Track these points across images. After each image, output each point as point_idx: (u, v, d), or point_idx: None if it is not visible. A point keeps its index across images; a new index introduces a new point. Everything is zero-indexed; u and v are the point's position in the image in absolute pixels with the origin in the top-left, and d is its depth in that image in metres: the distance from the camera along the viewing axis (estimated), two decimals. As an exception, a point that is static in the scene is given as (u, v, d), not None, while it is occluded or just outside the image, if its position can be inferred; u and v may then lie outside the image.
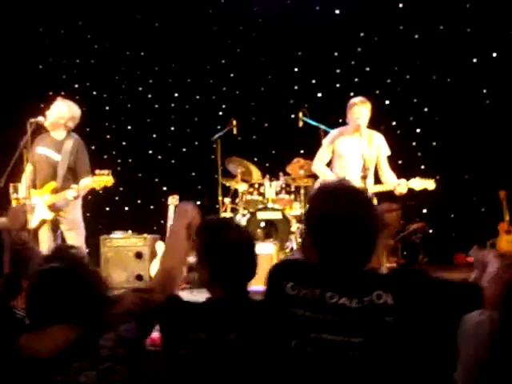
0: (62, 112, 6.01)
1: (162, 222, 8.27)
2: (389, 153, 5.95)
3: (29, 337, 2.16)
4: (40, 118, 5.82)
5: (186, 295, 5.71)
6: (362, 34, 9.51)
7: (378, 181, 5.94)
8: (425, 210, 9.25)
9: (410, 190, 5.78)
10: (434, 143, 9.46)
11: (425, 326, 2.05)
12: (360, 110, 5.74)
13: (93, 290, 2.21)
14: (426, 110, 9.44)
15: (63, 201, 5.88)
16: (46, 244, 5.81)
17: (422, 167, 9.36)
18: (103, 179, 5.79)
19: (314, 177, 7.00)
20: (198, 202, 9.59)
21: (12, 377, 2.09)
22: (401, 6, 9.35)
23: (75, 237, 5.91)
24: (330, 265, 2.08)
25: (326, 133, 6.90)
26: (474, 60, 9.24)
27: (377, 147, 5.87)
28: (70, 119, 6.05)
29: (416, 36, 9.33)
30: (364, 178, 5.51)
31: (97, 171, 5.83)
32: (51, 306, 2.14)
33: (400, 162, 8.35)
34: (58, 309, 2.14)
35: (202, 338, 2.32)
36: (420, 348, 2.09)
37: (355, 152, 5.71)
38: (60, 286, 2.16)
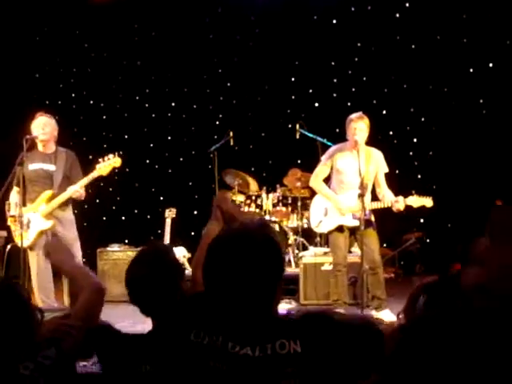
0: (54, 125, 6.00)
1: (159, 232, 8.25)
2: (387, 170, 5.92)
3: None
4: (35, 135, 5.79)
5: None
6: (359, 44, 9.51)
7: (374, 198, 5.92)
8: (422, 220, 9.26)
9: (408, 206, 5.76)
10: (431, 153, 9.46)
11: (331, 373, 1.95)
12: (358, 126, 5.72)
13: (23, 315, 2.18)
14: (422, 119, 9.45)
15: (64, 207, 5.87)
16: (41, 263, 5.72)
17: (419, 177, 9.39)
18: (110, 163, 5.81)
19: (311, 188, 6.98)
20: (195, 212, 9.63)
21: None
22: (398, 16, 9.36)
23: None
24: (229, 313, 2.00)
25: (323, 145, 6.89)
26: (471, 70, 9.25)
27: (375, 164, 5.84)
28: (57, 131, 6.05)
29: (413, 46, 9.34)
30: (361, 195, 5.48)
31: (100, 159, 5.85)
32: None
33: (397, 171, 8.36)
34: None
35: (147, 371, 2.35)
36: None
37: (353, 168, 5.68)
38: None
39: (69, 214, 5.98)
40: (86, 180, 5.83)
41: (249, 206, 7.95)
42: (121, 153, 5.98)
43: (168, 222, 7.47)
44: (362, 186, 5.49)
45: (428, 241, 9.30)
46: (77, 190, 5.77)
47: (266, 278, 2.00)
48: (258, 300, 2.00)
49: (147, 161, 10.04)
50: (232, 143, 7.97)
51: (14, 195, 5.83)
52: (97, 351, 2.49)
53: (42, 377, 2.10)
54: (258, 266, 1.98)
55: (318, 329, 1.98)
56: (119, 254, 7.46)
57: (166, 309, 2.49)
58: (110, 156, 5.84)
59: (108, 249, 7.58)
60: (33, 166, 5.85)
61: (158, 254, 2.62)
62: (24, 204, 5.72)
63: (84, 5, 9.52)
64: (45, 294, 5.51)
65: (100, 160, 5.85)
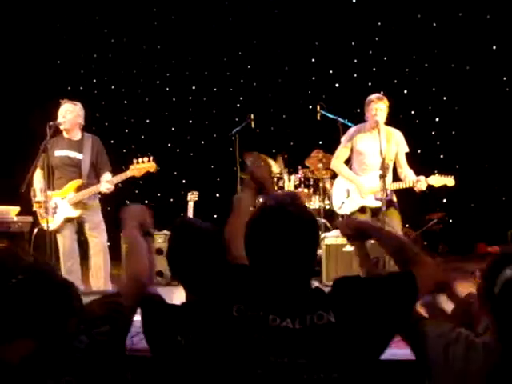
0: (77, 111, 6.04)
1: (182, 215, 8.29)
2: (407, 150, 5.90)
3: None
4: (59, 121, 5.84)
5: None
6: (379, 23, 9.43)
7: (396, 178, 5.91)
8: (444, 200, 9.21)
9: (430, 186, 5.75)
10: (454, 132, 9.38)
11: (367, 338, 2.02)
12: (378, 106, 5.70)
13: (58, 301, 2.22)
14: (444, 98, 9.37)
15: (91, 196, 5.95)
16: (67, 246, 5.85)
17: (442, 156, 9.33)
18: (145, 166, 5.87)
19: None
20: (217, 195, 9.67)
21: None
22: (418, -7, 9.27)
23: (98, 236, 5.98)
24: (270, 286, 2.09)
25: (344, 125, 6.87)
26: (494, 47, 9.14)
27: (396, 144, 5.83)
28: (82, 117, 6.09)
29: (434, 24, 9.24)
30: (383, 176, 5.46)
31: (135, 160, 5.89)
32: (13, 319, 2.16)
33: (419, 151, 8.31)
34: (22, 321, 2.15)
35: (181, 342, 2.36)
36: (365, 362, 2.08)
37: (374, 149, 5.66)
38: (23, 298, 2.18)
39: (95, 200, 6.06)
40: (118, 178, 5.91)
41: (270, 188, 7.96)
42: (153, 157, 6.00)
43: (190, 205, 7.51)
44: (383, 167, 5.47)
45: (451, 221, 9.25)
46: (109, 187, 5.86)
47: (304, 250, 2.10)
48: (298, 272, 2.10)
49: (169, 144, 10.07)
50: (253, 126, 7.97)
51: (38, 179, 5.90)
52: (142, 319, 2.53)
53: (96, 351, 2.16)
54: (297, 239, 2.07)
55: (347, 296, 2.06)
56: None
57: (206, 281, 2.50)
58: (145, 159, 5.88)
59: (132, 233, 7.64)
60: (59, 153, 5.91)
61: (195, 226, 2.63)
62: (49, 189, 5.79)
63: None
64: (71, 277, 5.58)
65: (134, 161, 5.90)
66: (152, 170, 5.96)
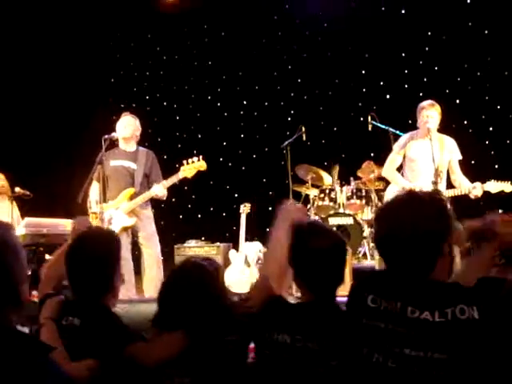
0: (137, 125, 6.22)
1: (235, 228, 8.34)
2: (460, 157, 5.83)
3: (139, 347, 2.23)
4: (114, 134, 5.99)
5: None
6: (429, 33, 9.36)
7: (450, 185, 5.83)
8: (500, 211, 9.01)
9: (485, 193, 5.65)
10: (508, 141, 9.20)
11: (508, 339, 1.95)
12: (429, 113, 5.67)
13: (216, 300, 2.27)
14: (498, 107, 9.20)
15: (143, 205, 6.05)
16: (122, 257, 5.93)
17: (496, 166, 9.15)
18: (195, 166, 5.93)
19: (385, 180, 6.95)
20: (270, 208, 9.68)
21: None
22: (469, 1, 9.16)
23: (151, 247, 6.07)
24: (408, 277, 2.06)
25: (396, 136, 6.83)
26: (549, 54, 8.95)
27: (449, 151, 5.77)
28: (139, 131, 6.25)
29: (486, 32, 9.10)
30: (435, 183, 5.41)
31: (184, 161, 5.95)
32: (178, 311, 2.21)
33: (473, 161, 8.18)
34: (184, 314, 2.20)
35: (286, 341, 2.33)
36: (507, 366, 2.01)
37: (426, 156, 5.61)
38: (189, 292, 2.23)
39: (148, 211, 6.17)
40: (170, 181, 5.98)
41: (322, 199, 7.96)
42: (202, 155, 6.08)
43: (243, 217, 7.55)
44: (436, 173, 5.42)
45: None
46: (160, 190, 5.92)
47: (437, 239, 2.07)
48: (433, 263, 2.07)
49: (221, 159, 10.17)
50: (304, 138, 7.98)
51: (94, 192, 6.03)
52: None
53: (223, 360, 2.25)
54: (428, 226, 2.05)
55: (494, 295, 2.00)
56: (196, 250, 7.61)
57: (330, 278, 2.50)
58: (195, 159, 5.95)
59: (185, 245, 7.75)
60: (114, 163, 6.07)
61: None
62: (105, 200, 5.91)
63: (154, 13, 9.79)
64: (126, 287, 5.66)
65: (184, 162, 5.97)
66: (202, 169, 6.00)
